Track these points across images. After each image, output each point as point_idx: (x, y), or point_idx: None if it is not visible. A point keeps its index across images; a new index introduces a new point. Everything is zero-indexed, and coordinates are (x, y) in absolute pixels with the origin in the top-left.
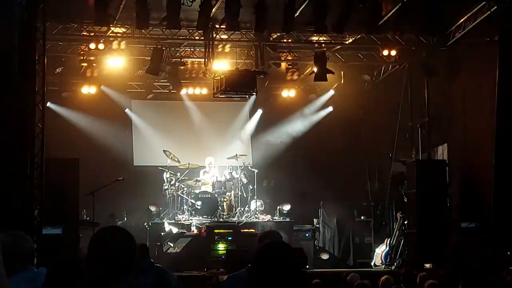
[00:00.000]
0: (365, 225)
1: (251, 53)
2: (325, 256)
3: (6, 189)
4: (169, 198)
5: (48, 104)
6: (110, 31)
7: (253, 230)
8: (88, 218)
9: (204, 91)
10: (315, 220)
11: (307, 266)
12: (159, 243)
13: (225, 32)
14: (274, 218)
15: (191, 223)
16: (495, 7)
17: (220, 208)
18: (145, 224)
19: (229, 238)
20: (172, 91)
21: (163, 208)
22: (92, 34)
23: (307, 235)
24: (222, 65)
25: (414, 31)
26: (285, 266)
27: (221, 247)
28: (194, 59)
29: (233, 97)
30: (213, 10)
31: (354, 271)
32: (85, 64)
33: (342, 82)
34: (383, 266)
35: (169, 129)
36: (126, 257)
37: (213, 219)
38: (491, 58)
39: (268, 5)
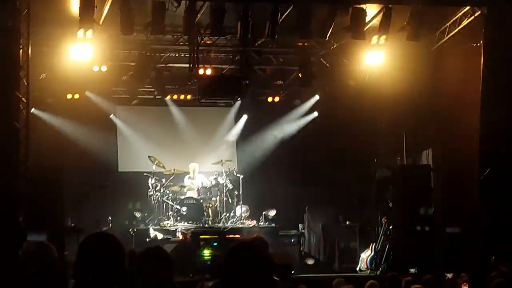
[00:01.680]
0: (350, 230)
1: (236, 58)
2: (310, 262)
3: None
4: (154, 204)
5: (33, 110)
6: (95, 36)
7: (239, 236)
8: (73, 225)
9: (189, 96)
10: (300, 225)
11: (293, 272)
12: None
13: (210, 37)
14: (260, 223)
15: (176, 229)
16: (479, 11)
17: (205, 213)
18: (130, 230)
19: (215, 244)
20: (157, 97)
21: (148, 214)
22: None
23: (292, 240)
24: (207, 70)
25: (398, 36)
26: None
27: (206, 253)
28: (179, 65)
29: (218, 103)
30: (198, 15)
31: (339, 276)
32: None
33: (327, 87)
34: (369, 271)
35: (154, 134)
36: (115, 263)
37: (198, 225)
38: (476, 62)
39: (253, 10)
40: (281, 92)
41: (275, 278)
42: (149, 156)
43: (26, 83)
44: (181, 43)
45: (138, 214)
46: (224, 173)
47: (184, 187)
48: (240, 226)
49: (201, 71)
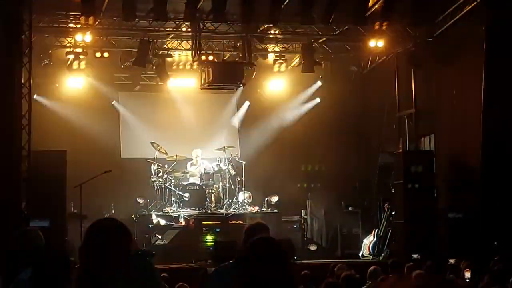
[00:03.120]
0: (353, 216)
1: (238, 44)
2: (313, 247)
3: None
4: (157, 190)
5: (35, 96)
6: (97, 22)
7: (241, 222)
8: (75, 211)
9: (192, 83)
10: (303, 211)
11: (295, 258)
12: (147, 235)
13: (212, 23)
14: (262, 209)
15: (179, 215)
16: None
17: (208, 200)
18: (132, 216)
19: (217, 230)
20: (159, 83)
21: (150, 200)
22: (79, 26)
23: (295, 226)
24: (209, 57)
25: (400, 22)
26: (273, 263)
27: (209, 238)
28: (181, 51)
29: (221, 89)
30: (200, 1)
31: (342, 262)
32: (71, 57)
33: (329, 73)
34: (371, 256)
35: (156, 121)
36: (121, 249)
37: (201, 211)
38: (478, 48)
39: None
40: (284, 78)
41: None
42: (151, 142)
43: (28, 70)
44: (183, 29)
45: (140, 200)
46: (226, 159)
47: (187, 173)
48: (243, 212)
49: (203, 57)
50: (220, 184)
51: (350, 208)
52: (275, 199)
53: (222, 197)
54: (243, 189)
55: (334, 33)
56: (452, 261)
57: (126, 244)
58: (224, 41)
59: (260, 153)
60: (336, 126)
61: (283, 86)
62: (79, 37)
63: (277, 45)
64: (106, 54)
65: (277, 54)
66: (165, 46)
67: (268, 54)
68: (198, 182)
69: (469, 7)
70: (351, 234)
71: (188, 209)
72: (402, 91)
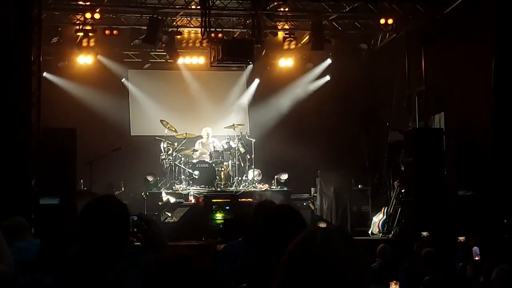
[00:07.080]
0: (363, 194)
1: (247, 22)
2: (322, 225)
3: (3, 160)
4: (167, 168)
5: (44, 74)
6: (106, 0)
7: (251, 200)
8: (85, 188)
9: (201, 60)
10: (312, 189)
11: None
12: (156, 213)
13: (222, 1)
14: (272, 187)
15: (188, 193)
16: None
17: (217, 177)
18: (142, 193)
19: (227, 208)
20: (169, 61)
21: (160, 178)
22: (88, 3)
23: (304, 204)
24: (219, 34)
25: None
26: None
27: (218, 216)
28: (190, 28)
29: (230, 67)
30: None
31: None
32: (81, 34)
33: (339, 51)
34: (380, 234)
35: (166, 98)
36: (116, 229)
37: (210, 189)
38: (489, 25)
39: None
40: (293, 56)
41: None
42: (161, 120)
43: (38, 47)
44: (192, 7)
45: (150, 178)
46: (236, 137)
47: (196, 151)
48: (252, 190)
49: (212, 35)
50: (230, 162)
51: (359, 186)
52: (284, 176)
53: (232, 175)
54: (253, 167)
55: (344, 11)
56: (461, 238)
57: (121, 223)
58: (234, 18)
59: (269, 131)
60: (346, 103)
61: (293, 63)
62: (88, 14)
63: (286, 23)
64: (115, 32)
65: (287, 32)
66: (174, 23)
67: (278, 32)
68: (207, 160)
69: None
70: (361, 211)
71: (198, 187)
72: (412, 68)
